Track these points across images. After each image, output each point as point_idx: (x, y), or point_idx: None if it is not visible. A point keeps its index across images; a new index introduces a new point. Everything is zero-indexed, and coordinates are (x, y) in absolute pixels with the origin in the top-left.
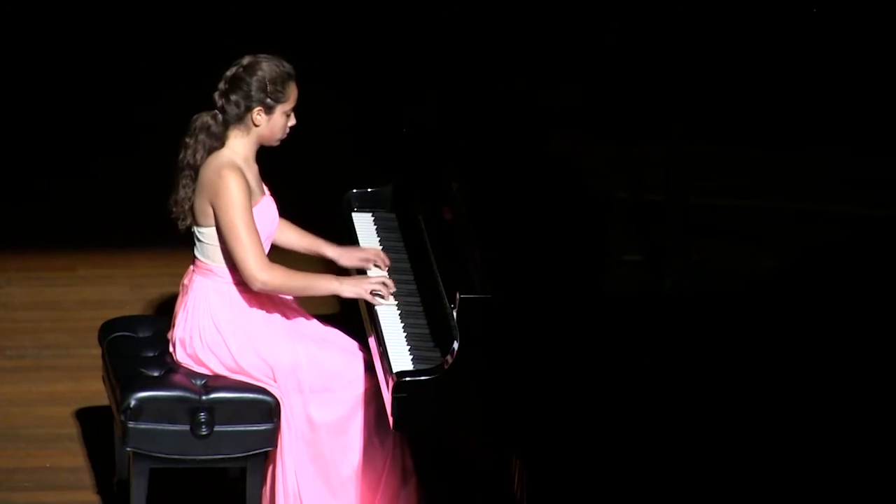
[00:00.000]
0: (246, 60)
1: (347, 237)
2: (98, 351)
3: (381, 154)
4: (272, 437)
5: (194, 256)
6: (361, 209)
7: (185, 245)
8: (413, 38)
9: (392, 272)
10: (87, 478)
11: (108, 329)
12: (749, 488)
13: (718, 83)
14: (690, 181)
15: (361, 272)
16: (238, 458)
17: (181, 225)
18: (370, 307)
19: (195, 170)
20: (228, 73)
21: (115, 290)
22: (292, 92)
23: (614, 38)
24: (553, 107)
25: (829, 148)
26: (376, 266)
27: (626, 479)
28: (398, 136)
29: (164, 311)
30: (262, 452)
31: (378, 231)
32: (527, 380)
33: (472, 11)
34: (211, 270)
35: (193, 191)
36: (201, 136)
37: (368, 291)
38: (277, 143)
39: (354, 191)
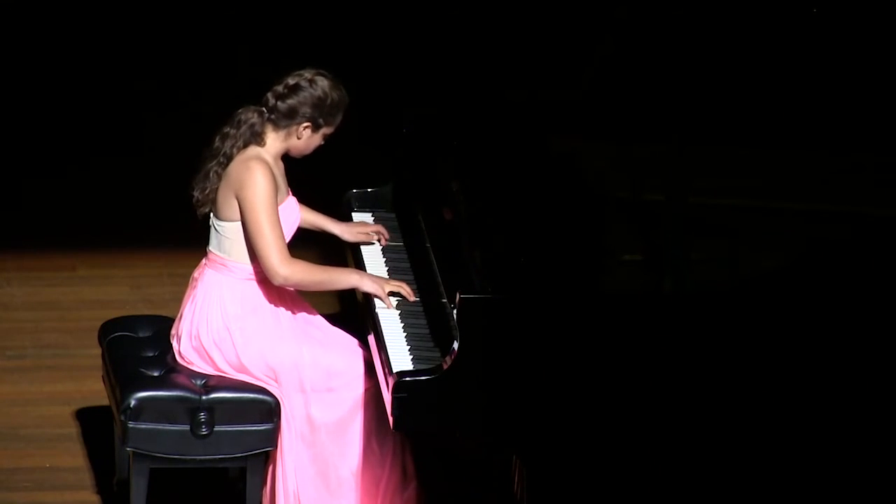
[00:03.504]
0: (309, 74)
1: None
2: (98, 351)
3: (382, 154)
4: (272, 437)
5: (207, 250)
6: (361, 209)
7: (185, 245)
8: (413, 38)
9: (392, 272)
10: (87, 478)
11: (108, 329)
12: (749, 488)
13: (719, 83)
14: (690, 181)
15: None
16: (238, 458)
17: (200, 212)
18: (370, 307)
19: (229, 160)
20: (290, 81)
21: (115, 290)
22: (339, 119)
23: (614, 39)
24: (552, 106)
25: (829, 147)
26: (377, 241)
27: (626, 478)
28: (398, 136)
29: (164, 311)
30: (262, 452)
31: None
32: (527, 380)
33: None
34: (224, 265)
35: (220, 179)
36: (244, 129)
37: (387, 292)
38: (299, 157)
39: (354, 191)
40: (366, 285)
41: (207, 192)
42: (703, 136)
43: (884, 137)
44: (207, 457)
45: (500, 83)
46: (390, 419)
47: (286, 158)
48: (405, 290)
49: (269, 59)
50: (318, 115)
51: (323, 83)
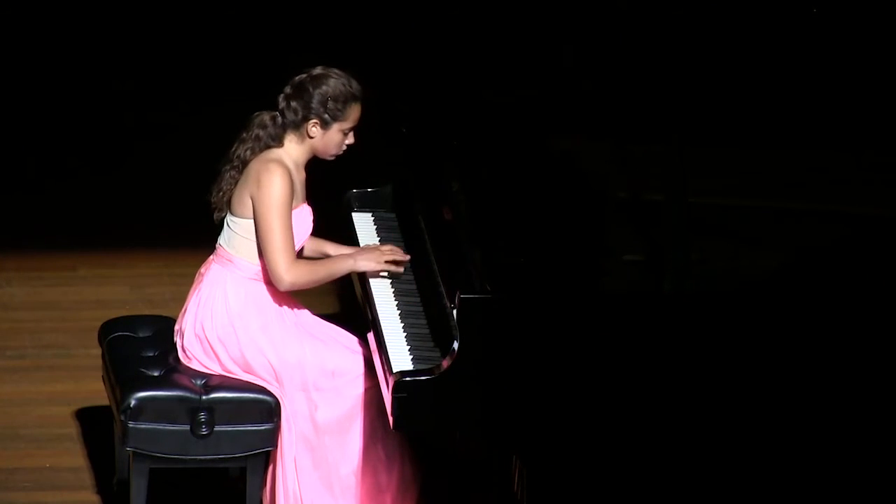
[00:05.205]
0: (316, 71)
1: (348, 237)
2: (98, 351)
3: (381, 154)
4: (272, 437)
5: (217, 244)
6: (361, 209)
7: (185, 245)
8: (412, 37)
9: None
10: (87, 478)
11: (108, 329)
12: (749, 488)
13: (718, 83)
14: (690, 181)
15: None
16: (238, 458)
17: (216, 216)
18: (371, 307)
19: (244, 164)
20: (296, 79)
21: (115, 290)
22: (353, 112)
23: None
24: (552, 106)
25: (829, 147)
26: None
27: (627, 478)
28: (398, 135)
29: (164, 311)
30: (263, 452)
31: (378, 231)
32: (527, 380)
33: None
34: (232, 261)
35: (236, 183)
36: (258, 132)
37: (383, 263)
38: (332, 158)
39: (354, 191)
40: (360, 265)
41: (222, 194)
42: (703, 137)
43: (884, 137)
44: (207, 457)
45: (501, 82)
46: (390, 419)
47: (315, 163)
48: (399, 254)
49: (266, 58)
50: (322, 111)
51: (327, 79)
